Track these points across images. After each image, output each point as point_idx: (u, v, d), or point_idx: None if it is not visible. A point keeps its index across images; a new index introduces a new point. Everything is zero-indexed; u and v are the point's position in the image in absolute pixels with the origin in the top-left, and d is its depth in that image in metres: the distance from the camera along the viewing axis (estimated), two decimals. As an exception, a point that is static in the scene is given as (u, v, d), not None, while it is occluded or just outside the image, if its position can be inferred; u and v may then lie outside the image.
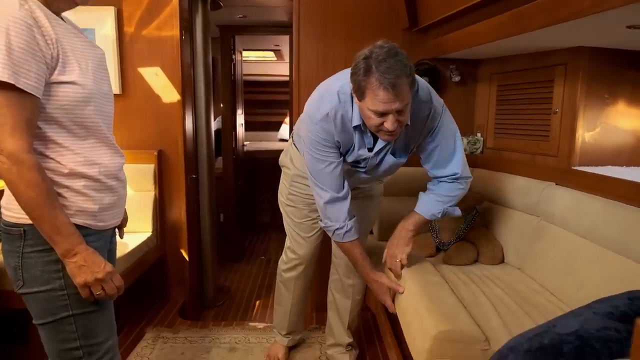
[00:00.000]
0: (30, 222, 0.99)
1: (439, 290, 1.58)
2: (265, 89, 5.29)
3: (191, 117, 2.57)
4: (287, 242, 1.98)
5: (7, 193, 1.02)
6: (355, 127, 1.46)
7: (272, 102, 5.28)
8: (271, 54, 4.95)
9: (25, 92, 0.92)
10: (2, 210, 1.06)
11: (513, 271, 1.91)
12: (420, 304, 1.47)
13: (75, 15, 1.15)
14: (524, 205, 2.00)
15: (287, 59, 4.40)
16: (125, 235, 1.34)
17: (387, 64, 1.25)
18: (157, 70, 2.49)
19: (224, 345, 2.22)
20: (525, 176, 2.05)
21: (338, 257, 1.92)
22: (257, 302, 2.92)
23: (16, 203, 0.98)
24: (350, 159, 1.57)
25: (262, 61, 5.21)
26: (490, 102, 2.42)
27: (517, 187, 2.05)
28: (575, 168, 1.86)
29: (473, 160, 2.39)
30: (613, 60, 1.82)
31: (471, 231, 2.07)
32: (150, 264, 2.44)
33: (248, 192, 4.38)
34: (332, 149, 1.48)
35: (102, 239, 1.12)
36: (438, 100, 1.54)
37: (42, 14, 0.96)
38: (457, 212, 1.65)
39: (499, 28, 1.71)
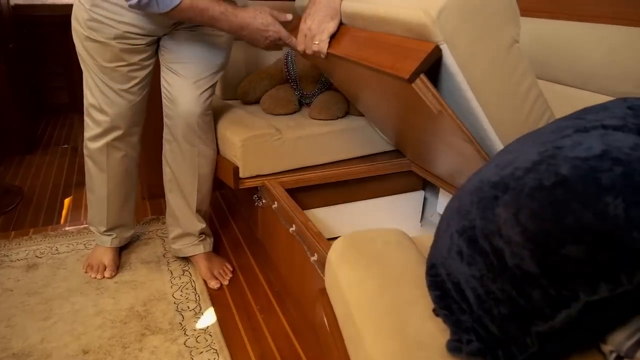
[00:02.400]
0: None
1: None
2: None
3: None
4: (90, 98, 1.33)
5: None
6: None
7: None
8: None
9: None
10: None
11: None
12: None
13: None
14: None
15: None
16: None
17: None
18: None
19: (17, 263, 1.56)
20: None
21: (172, 117, 1.36)
22: (67, 202, 2.21)
23: None
24: None
25: None
26: None
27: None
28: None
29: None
30: None
31: (339, 77, 1.68)
32: None
33: (31, 65, 3.27)
34: None
35: None
36: None
37: None
38: None
39: None
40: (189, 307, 1.38)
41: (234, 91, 1.82)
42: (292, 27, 1.20)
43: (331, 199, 1.63)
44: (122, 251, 1.62)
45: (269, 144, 1.45)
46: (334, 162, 1.58)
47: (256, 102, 1.75)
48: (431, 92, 0.81)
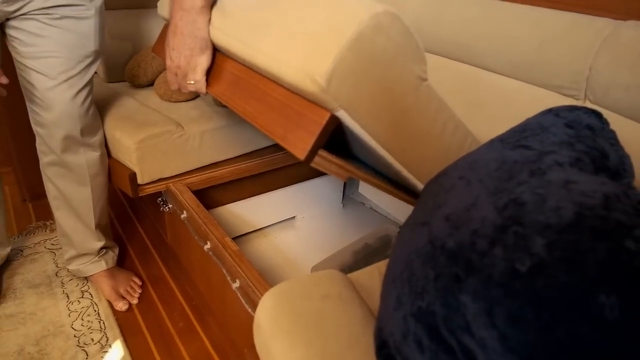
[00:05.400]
0: None
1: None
2: None
3: None
4: None
5: None
6: None
7: None
8: None
9: None
10: None
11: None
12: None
13: None
14: None
15: None
16: None
17: None
18: None
19: None
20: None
21: (45, 125, 1.09)
22: None
23: None
24: None
25: None
26: None
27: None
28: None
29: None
30: None
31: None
32: None
33: None
34: None
35: None
36: None
37: None
38: None
39: None
40: (92, 340, 1.20)
41: (121, 71, 1.53)
42: (158, 44, 0.97)
43: (249, 191, 1.48)
44: (1, 275, 1.36)
45: (170, 143, 1.24)
46: (247, 153, 1.42)
47: (149, 84, 1.49)
48: (335, 164, 0.69)
